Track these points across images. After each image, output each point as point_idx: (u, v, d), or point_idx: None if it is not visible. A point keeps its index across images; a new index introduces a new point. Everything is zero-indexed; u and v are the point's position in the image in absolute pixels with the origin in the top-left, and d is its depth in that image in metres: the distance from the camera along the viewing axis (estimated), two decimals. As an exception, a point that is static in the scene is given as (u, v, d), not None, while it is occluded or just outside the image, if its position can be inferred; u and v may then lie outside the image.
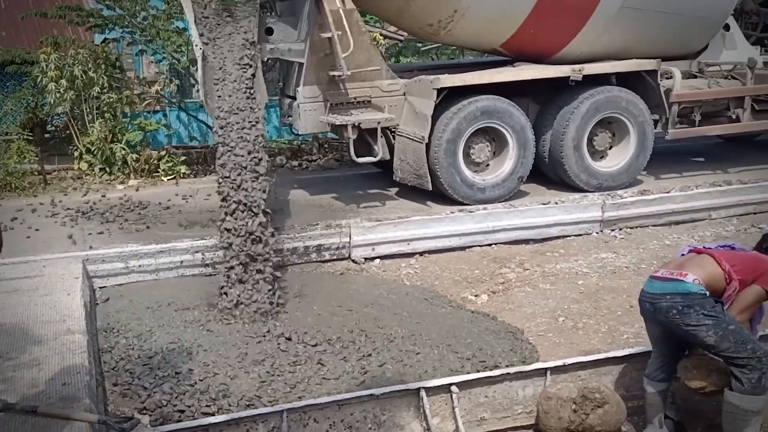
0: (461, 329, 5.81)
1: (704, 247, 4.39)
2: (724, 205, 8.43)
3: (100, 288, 6.61)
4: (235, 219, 6.12)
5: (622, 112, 8.34)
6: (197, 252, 6.94)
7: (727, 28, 9.34)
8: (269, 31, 7.82)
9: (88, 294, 6.11)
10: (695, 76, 9.07)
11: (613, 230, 8.03)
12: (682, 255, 4.40)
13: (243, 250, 6.05)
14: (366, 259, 7.37)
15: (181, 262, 6.90)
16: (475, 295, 6.64)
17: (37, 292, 5.81)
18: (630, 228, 8.08)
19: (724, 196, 8.45)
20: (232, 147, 6.21)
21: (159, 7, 11.01)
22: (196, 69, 7.45)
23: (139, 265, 6.78)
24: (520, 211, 7.86)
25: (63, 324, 5.17)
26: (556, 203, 8.01)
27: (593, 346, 5.64)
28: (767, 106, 9.13)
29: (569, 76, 8.12)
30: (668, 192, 8.35)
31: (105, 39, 12.01)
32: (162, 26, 10.75)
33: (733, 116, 8.97)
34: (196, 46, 7.26)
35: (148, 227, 7.59)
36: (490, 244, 7.68)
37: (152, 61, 12.92)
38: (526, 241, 7.77)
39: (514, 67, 8.58)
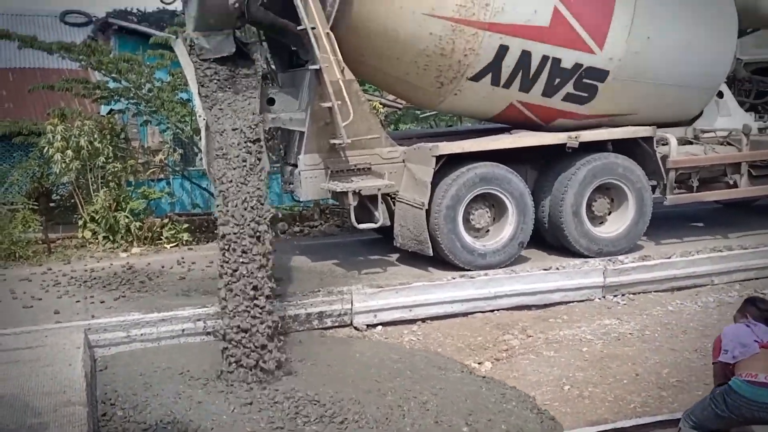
0: (478, 398, 5.71)
1: None
2: (726, 270, 8.43)
3: (99, 357, 6.57)
4: (234, 294, 6.19)
5: (620, 178, 8.44)
6: (199, 320, 6.92)
7: (720, 95, 9.53)
8: (271, 102, 8.01)
9: (90, 364, 6.07)
10: (691, 143, 9.20)
11: (615, 296, 8.01)
12: (756, 349, 4.40)
13: (244, 314, 6.05)
14: (368, 326, 7.34)
15: (183, 330, 6.88)
16: (479, 363, 6.58)
17: (38, 363, 5.78)
18: (632, 294, 8.07)
19: (725, 262, 8.46)
20: (233, 218, 6.30)
21: (164, 79, 11.26)
22: (200, 138, 7.57)
23: (141, 334, 6.77)
24: (521, 276, 7.86)
25: (63, 395, 5.13)
26: (558, 269, 8.01)
27: (600, 415, 5.57)
28: (764, 172, 9.23)
29: (566, 143, 8.25)
30: (669, 257, 8.36)
31: (111, 110, 12.25)
32: (167, 97, 10.98)
33: (731, 182, 9.07)
34: (200, 116, 7.42)
35: (150, 295, 7.58)
36: (492, 310, 7.66)
37: (157, 131, 13.14)
38: (529, 307, 7.75)
39: (511, 134, 8.73)
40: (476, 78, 8.07)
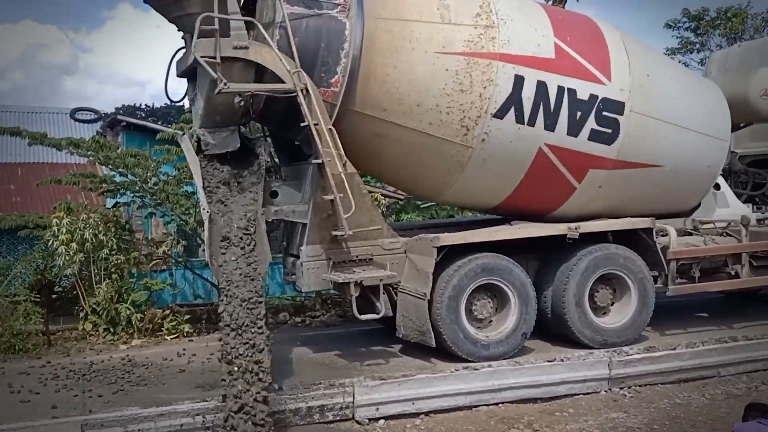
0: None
1: None
2: (733, 362, 8.32)
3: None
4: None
5: (621, 268, 8.47)
6: (198, 415, 6.78)
7: (717, 187, 9.69)
8: (274, 194, 8.13)
9: (84, 461, 5.94)
10: (690, 234, 9.28)
11: (621, 388, 7.88)
12: None
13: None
14: (370, 419, 7.20)
15: (182, 425, 6.73)
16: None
17: (33, 460, 5.65)
18: (638, 386, 7.94)
19: (731, 353, 8.36)
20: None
21: (170, 173, 11.47)
22: (203, 230, 7.65)
23: (139, 429, 6.62)
24: (525, 368, 7.77)
25: (56, 493, 4.99)
26: (562, 360, 7.92)
27: None
28: (765, 262, 9.26)
29: (566, 234, 8.32)
30: (675, 348, 8.27)
31: (116, 203, 12.43)
32: (172, 191, 11.16)
33: (732, 272, 9.08)
34: (203, 209, 7.52)
35: (149, 388, 7.48)
36: (497, 403, 7.52)
37: (161, 223, 13.28)
38: (534, 400, 7.61)
39: (512, 225, 8.82)
40: (500, 114, 8.06)
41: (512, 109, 8.08)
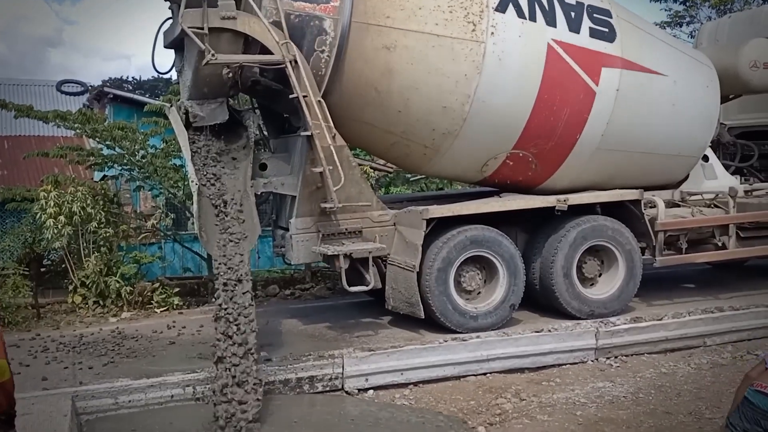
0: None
1: None
2: (718, 331, 8.40)
3: (85, 422, 6.46)
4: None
5: (609, 240, 8.52)
6: (188, 386, 6.83)
7: (706, 159, 9.72)
8: (263, 167, 8.11)
9: None
10: (678, 205, 9.33)
11: (608, 358, 7.96)
12: None
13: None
14: (359, 390, 7.26)
15: (172, 396, 6.78)
16: (472, 428, 6.49)
17: None
18: (625, 356, 8.02)
19: (717, 323, 8.44)
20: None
21: (157, 145, 11.40)
22: (192, 203, 7.63)
23: (129, 401, 6.67)
24: (513, 339, 7.83)
25: (48, 464, 5.03)
26: (550, 331, 7.99)
27: (594, 480, 5.48)
28: (752, 234, 9.33)
29: (555, 206, 8.35)
30: (661, 319, 8.35)
31: (104, 176, 12.36)
32: (160, 164, 11.10)
33: (719, 243, 9.16)
34: (192, 181, 7.48)
35: (139, 360, 7.51)
36: (485, 374, 7.59)
37: (150, 196, 13.24)
38: (521, 370, 7.69)
39: (501, 197, 8.84)
40: (501, 8, 8.00)
41: (510, 4, 8.06)
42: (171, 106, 8.39)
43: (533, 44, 8.15)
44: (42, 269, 11.47)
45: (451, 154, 8.41)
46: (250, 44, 7.49)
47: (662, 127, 8.88)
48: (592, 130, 8.48)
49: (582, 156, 8.58)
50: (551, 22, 8.22)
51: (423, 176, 11.75)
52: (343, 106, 7.94)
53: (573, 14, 8.33)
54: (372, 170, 11.53)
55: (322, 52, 7.66)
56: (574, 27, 8.31)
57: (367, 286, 7.80)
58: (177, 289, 10.56)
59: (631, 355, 8.03)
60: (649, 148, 8.87)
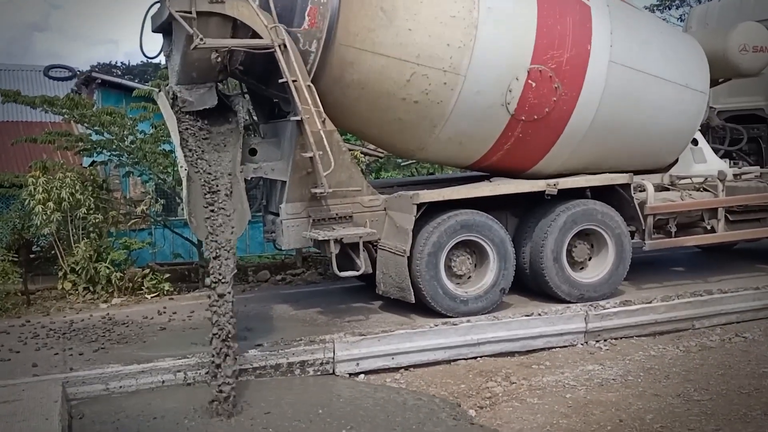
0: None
1: None
2: (707, 314, 8.47)
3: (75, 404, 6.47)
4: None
5: (599, 224, 8.55)
6: (179, 371, 6.84)
7: (695, 142, 9.75)
8: (253, 152, 8.07)
9: (67, 418, 5.97)
10: (668, 189, 9.36)
11: (597, 341, 8.02)
12: None
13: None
14: (350, 374, 7.29)
15: (163, 382, 6.79)
16: (465, 411, 6.53)
17: (14, 418, 5.67)
18: (614, 339, 8.07)
19: (705, 306, 8.50)
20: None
21: (146, 131, 11.33)
22: (182, 188, 7.60)
23: (120, 386, 6.68)
24: (503, 323, 7.87)
25: (39, 450, 5.03)
26: (540, 315, 8.04)
27: (583, 462, 5.52)
28: (741, 217, 9.38)
29: (545, 191, 8.36)
30: (650, 302, 8.40)
31: (93, 162, 12.28)
32: (149, 149, 11.03)
33: (708, 227, 9.20)
34: (182, 167, 7.45)
35: (130, 346, 7.50)
36: (475, 357, 7.64)
37: (139, 182, 13.18)
38: (512, 354, 7.74)
39: (491, 182, 8.84)
40: None
41: None
42: (159, 91, 8.33)
43: None
44: (31, 255, 11.41)
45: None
46: (239, 28, 7.44)
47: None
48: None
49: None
50: None
51: (414, 161, 11.74)
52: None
53: None
54: (362, 155, 11.53)
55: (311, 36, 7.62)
56: None
57: (357, 271, 7.81)
58: (167, 275, 10.54)
59: (621, 338, 8.09)
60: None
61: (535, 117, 8.25)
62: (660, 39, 9.05)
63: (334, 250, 7.59)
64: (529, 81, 8.11)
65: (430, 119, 8.12)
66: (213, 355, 6.52)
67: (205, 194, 7.23)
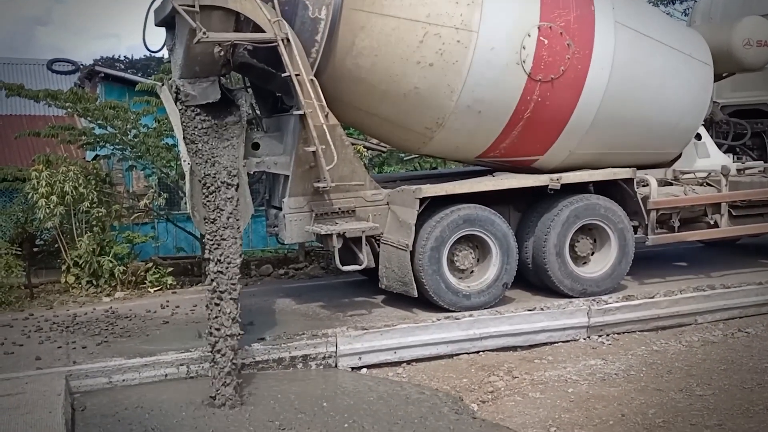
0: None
1: None
2: (710, 309, 8.46)
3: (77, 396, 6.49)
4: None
5: (602, 219, 8.53)
6: (182, 365, 6.86)
7: (699, 137, 9.72)
8: (256, 146, 8.07)
9: (70, 411, 6.00)
10: (671, 184, 9.34)
11: (600, 336, 8.02)
12: None
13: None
14: (353, 368, 7.30)
15: (166, 375, 6.81)
16: (468, 405, 6.54)
17: (17, 411, 5.70)
18: (617, 334, 8.08)
19: (708, 301, 8.50)
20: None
21: (150, 125, 11.34)
22: (185, 183, 7.61)
23: (123, 380, 6.70)
24: (506, 317, 7.87)
25: (43, 442, 5.06)
26: (542, 309, 8.03)
27: (586, 457, 5.53)
28: (744, 212, 9.36)
29: (548, 185, 8.35)
30: (653, 297, 8.39)
31: (96, 155, 12.29)
32: (152, 143, 11.04)
33: (712, 222, 9.18)
34: (184, 161, 7.46)
35: (133, 340, 7.52)
36: (477, 352, 7.65)
37: (142, 176, 13.18)
38: (514, 348, 7.75)
39: (494, 176, 8.83)
40: None
41: None
42: (162, 85, 8.32)
43: None
44: (35, 249, 11.44)
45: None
46: (241, 22, 7.43)
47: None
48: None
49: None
50: None
51: (417, 156, 11.73)
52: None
53: None
54: (365, 149, 11.51)
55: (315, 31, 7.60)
56: None
57: (360, 265, 7.82)
58: (170, 269, 10.57)
59: (623, 332, 8.09)
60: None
61: (552, 77, 8.16)
62: (659, 14, 9.01)
63: (337, 244, 7.60)
64: (541, 38, 8.05)
65: (448, 83, 7.98)
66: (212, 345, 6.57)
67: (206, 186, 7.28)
